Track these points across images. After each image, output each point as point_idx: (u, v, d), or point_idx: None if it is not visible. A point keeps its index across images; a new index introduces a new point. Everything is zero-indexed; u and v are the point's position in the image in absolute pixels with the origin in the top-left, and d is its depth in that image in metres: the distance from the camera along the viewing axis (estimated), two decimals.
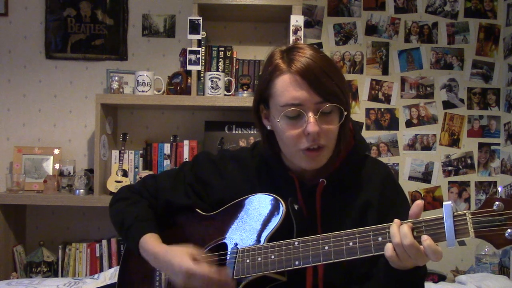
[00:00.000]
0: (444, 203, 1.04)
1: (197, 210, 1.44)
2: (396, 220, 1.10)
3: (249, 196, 1.34)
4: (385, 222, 1.12)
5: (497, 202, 0.99)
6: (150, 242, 1.33)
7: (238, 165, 1.43)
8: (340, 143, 1.29)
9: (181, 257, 1.24)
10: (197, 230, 1.40)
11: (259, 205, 1.31)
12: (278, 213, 1.25)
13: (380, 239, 1.10)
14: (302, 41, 2.64)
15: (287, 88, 1.22)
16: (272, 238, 1.24)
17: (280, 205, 1.26)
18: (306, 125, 1.21)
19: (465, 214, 1.02)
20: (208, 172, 1.45)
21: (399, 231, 1.07)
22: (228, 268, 1.26)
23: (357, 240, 1.12)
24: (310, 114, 1.21)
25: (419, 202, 1.10)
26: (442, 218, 1.04)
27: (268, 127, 1.33)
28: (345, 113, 1.25)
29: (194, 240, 1.39)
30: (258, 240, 1.26)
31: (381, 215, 1.27)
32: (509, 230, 0.98)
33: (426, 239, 1.04)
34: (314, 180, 1.32)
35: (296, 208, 1.26)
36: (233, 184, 1.40)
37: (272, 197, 1.29)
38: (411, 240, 1.05)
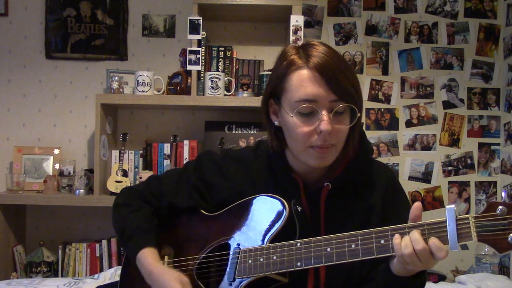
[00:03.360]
0: (447, 206, 1.04)
1: (201, 210, 1.44)
2: (397, 235, 1.09)
3: (252, 197, 1.33)
4: (386, 226, 1.12)
5: (500, 207, 0.99)
6: (148, 259, 1.33)
7: (241, 165, 1.42)
8: (348, 145, 1.28)
9: (173, 283, 1.26)
10: (201, 230, 1.40)
11: (262, 206, 1.31)
12: (281, 215, 1.25)
13: (382, 241, 1.10)
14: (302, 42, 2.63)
15: (303, 83, 1.21)
16: (275, 239, 1.25)
17: (283, 206, 1.26)
18: (319, 123, 1.20)
19: (468, 218, 1.02)
20: (211, 173, 1.44)
21: (410, 237, 1.06)
22: None
23: (359, 242, 1.12)
24: (324, 112, 1.20)
25: (419, 204, 1.09)
26: (445, 222, 1.04)
27: (276, 123, 1.32)
28: (358, 114, 1.24)
29: (197, 240, 1.39)
30: (260, 241, 1.26)
31: (382, 219, 1.27)
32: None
33: (431, 239, 1.05)
34: (319, 183, 1.32)
35: (299, 210, 1.26)
36: (236, 185, 1.39)
37: (275, 198, 1.28)
38: (424, 245, 1.04)
